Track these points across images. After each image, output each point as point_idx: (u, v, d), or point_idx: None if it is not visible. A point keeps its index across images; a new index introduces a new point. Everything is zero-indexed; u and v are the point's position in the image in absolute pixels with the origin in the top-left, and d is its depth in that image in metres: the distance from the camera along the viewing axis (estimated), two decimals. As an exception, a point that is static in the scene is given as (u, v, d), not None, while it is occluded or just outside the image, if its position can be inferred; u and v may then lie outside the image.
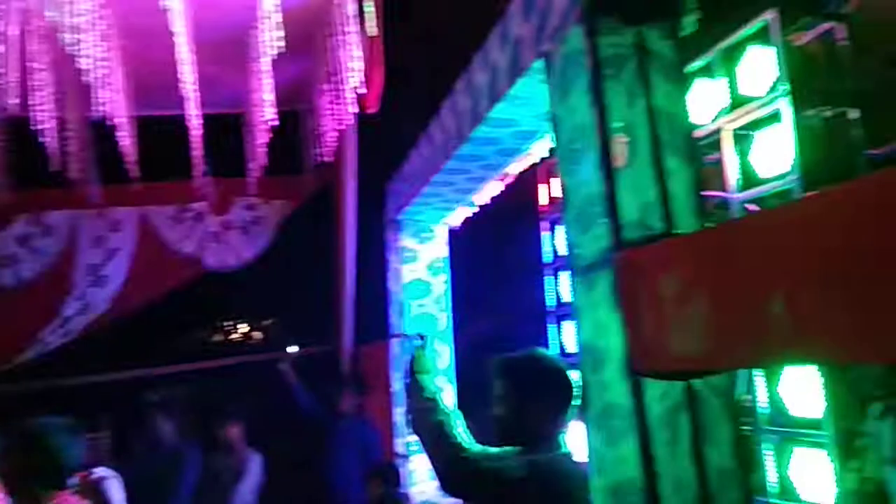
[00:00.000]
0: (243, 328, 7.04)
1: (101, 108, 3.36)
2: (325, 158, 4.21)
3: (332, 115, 3.84)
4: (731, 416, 1.67)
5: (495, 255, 3.81)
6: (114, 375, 4.83)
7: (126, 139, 3.62)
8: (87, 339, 4.92)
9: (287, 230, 5.37)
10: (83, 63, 3.07)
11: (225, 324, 6.57)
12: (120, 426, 3.66)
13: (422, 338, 2.33)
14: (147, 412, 4.03)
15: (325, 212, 5.14)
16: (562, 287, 3.03)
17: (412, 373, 2.15)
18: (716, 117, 1.96)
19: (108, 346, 5.03)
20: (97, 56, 3.10)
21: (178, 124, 3.56)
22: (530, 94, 2.35)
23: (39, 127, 3.50)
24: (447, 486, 1.87)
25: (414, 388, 2.11)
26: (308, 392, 4.47)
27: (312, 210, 5.30)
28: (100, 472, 2.51)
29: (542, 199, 3.18)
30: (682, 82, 1.86)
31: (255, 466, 4.21)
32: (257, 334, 7.09)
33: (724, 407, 1.66)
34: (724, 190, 1.92)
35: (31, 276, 4.89)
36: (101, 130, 3.67)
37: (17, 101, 3.17)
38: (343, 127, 3.91)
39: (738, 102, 1.89)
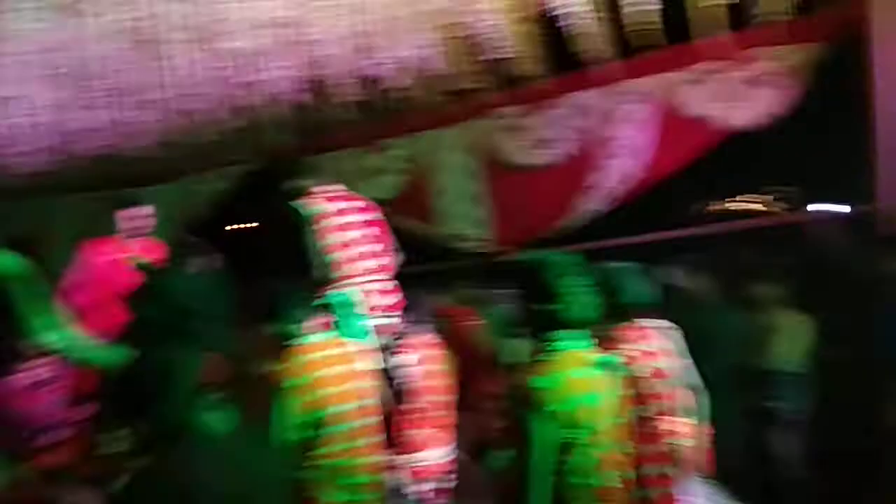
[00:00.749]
0: (767, 191, 6.78)
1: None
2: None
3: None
4: None
5: None
6: (644, 238, 5.28)
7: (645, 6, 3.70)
8: (619, 207, 5.42)
9: (814, 79, 4.83)
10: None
11: (748, 187, 6.39)
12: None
13: None
14: (677, 272, 4.30)
15: (858, 51, 4.46)
16: None
17: None
18: None
19: (636, 211, 5.46)
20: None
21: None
22: None
23: (563, 12, 3.87)
24: None
25: None
26: (848, 255, 4.11)
27: (845, 51, 4.64)
28: (649, 321, 2.79)
29: None
30: None
31: (796, 327, 4.13)
32: (780, 196, 6.75)
33: None
34: None
35: (564, 154, 5.59)
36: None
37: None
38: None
39: None
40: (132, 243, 3.88)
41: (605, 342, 2.53)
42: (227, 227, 7.40)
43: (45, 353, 3.59)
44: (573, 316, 2.16)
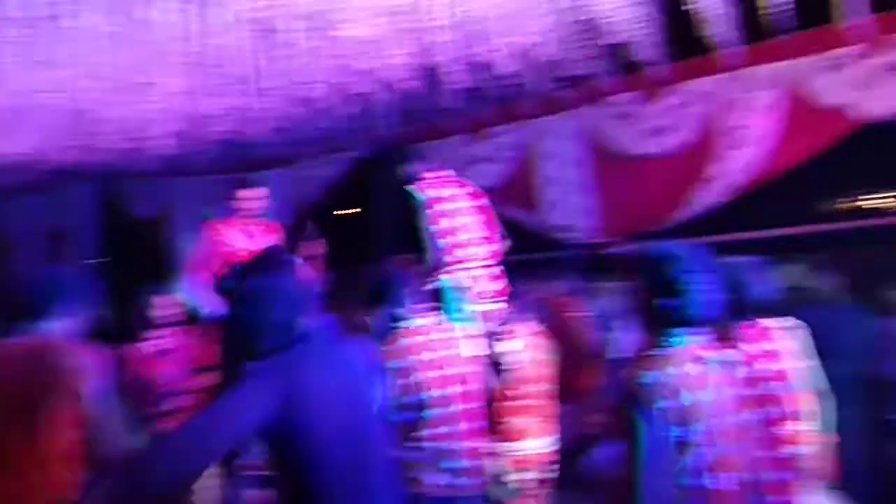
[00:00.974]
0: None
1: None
2: None
3: None
4: None
5: None
6: (767, 233, 4.93)
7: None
8: (742, 199, 5.10)
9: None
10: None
11: (884, 181, 5.87)
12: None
13: None
14: (802, 270, 4.03)
15: None
16: None
17: None
18: None
19: (759, 205, 5.11)
20: None
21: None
22: None
23: None
24: None
25: None
26: None
27: None
28: (774, 320, 2.61)
29: None
30: None
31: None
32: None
33: None
34: None
35: (682, 143, 5.33)
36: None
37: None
38: None
39: None
40: (251, 223, 4.04)
41: (724, 339, 2.39)
42: (339, 212, 7.61)
43: (170, 324, 3.83)
44: (690, 311, 2.05)
